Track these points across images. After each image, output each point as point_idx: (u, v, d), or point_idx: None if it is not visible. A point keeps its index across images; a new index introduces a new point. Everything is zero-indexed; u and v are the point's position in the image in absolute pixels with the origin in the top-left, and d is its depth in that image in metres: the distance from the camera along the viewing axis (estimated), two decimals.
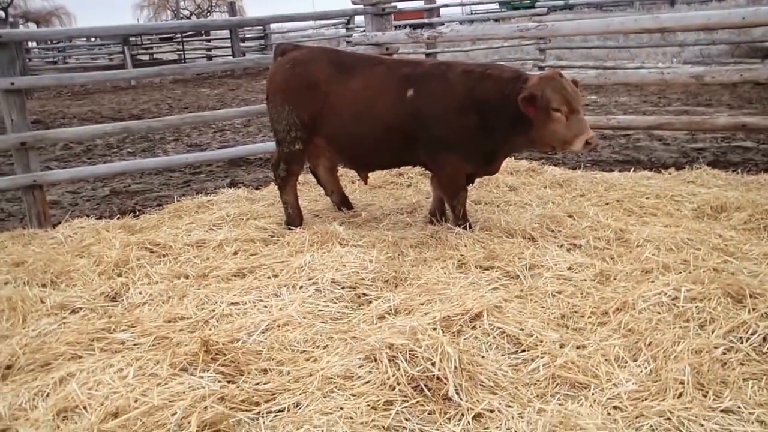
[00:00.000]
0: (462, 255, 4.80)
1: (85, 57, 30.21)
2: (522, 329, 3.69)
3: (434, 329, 3.56)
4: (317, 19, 20.63)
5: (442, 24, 17.67)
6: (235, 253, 5.23)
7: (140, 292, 4.55)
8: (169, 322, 4.04)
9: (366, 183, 6.27)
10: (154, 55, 31.54)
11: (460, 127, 5.19)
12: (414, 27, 15.30)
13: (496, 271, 4.56)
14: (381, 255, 4.84)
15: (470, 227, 5.38)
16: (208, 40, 30.54)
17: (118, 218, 6.54)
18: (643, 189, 6.15)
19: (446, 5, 22.71)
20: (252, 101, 16.13)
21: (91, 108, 17.56)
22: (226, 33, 27.51)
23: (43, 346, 3.78)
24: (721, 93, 12.30)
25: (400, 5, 8.47)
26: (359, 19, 24.45)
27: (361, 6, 7.99)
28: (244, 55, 24.75)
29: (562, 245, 4.95)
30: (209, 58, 28.61)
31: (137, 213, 6.93)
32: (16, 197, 8.04)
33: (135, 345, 3.75)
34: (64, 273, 4.97)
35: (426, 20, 18.08)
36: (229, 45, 25.85)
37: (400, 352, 3.27)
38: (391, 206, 6.28)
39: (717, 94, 12.31)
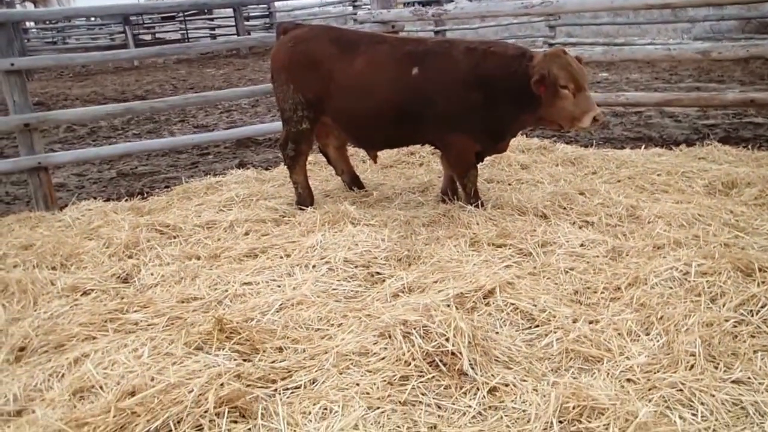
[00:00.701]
0: (474, 233, 4.80)
1: (85, 37, 29.81)
2: (535, 305, 3.71)
3: (447, 306, 3.58)
4: None
5: (450, 1, 17.56)
6: (246, 234, 5.24)
7: (152, 274, 4.56)
8: (182, 302, 4.06)
9: (375, 162, 6.26)
10: (157, 35, 31.27)
11: (466, 105, 5.18)
12: (423, 4, 15.19)
13: (509, 248, 4.56)
14: (393, 234, 4.85)
15: (482, 205, 5.39)
16: (211, 19, 30.19)
17: (126, 200, 6.54)
18: (655, 166, 6.14)
19: None
20: (259, 81, 16.00)
21: (94, 89, 17.48)
22: (230, 12, 27.15)
23: (56, 328, 3.81)
24: (733, 69, 12.22)
25: None
26: None
27: None
28: (249, 34, 24.59)
29: (574, 222, 4.96)
30: (213, 37, 28.34)
31: (145, 195, 6.91)
32: (21, 180, 8.06)
33: (149, 325, 3.77)
34: (74, 255, 4.97)
35: None
36: (233, 24, 25.60)
37: (414, 329, 3.29)
38: (403, 185, 6.28)
39: (729, 70, 12.22)
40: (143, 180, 8.01)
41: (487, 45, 5.34)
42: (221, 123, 11.39)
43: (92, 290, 4.34)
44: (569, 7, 7.02)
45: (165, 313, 3.86)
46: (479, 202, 5.42)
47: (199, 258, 4.82)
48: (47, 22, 31.07)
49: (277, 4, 26.67)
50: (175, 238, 5.25)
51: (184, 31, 29.35)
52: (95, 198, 6.77)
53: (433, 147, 6.06)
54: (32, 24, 31.97)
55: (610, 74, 12.93)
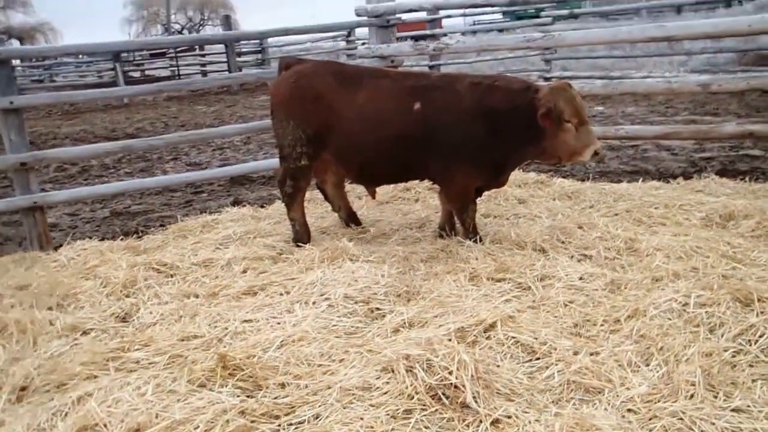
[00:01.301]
0: (473, 268, 4.82)
1: (73, 75, 29.94)
2: (536, 338, 3.72)
3: (449, 340, 3.60)
4: (320, 32, 20.69)
5: (444, 35, 17.74)
6: (244, 272, 5.24)
7: (151, 312, 4.57)
8: (183, 340, 4.04)
9: (374, 198, 6.28)
10: (146, 72, 31.44)
11: (471, 139, 5.22)
12: (416, 38, 15.37)
13: (508, 282, 4.58)
14: (392, 270, 4.86)
15: (480, 240, 5.42)
16: (203, 55, 30.34)
17: (122, 239, 6.52)
18: (652, 199, 6.19)
19: (449, 16, 22.81)
20: (250, 117, 16.09)
21: (83, 128, 17.47)
22: (220, 47, 27.26)
23: (57, 367, 3.79)
24: (728, 102, 12.36)
25: (404, 17, 8.51)
26: (359, 31, 24.68)
27: (365, 18, 8.04)
28: (240, 70, 24.67)
29: (572, 256, 4.99)
30: (204, 73, 28.45)
31: (140, 234, 6.89)
32: (12, 221, 8.04)
33: (150, 364, 3.76)
34: (71, 295, 4.96)
35: (428, 32, 18.13)
36: (225, 60, 25.59)
37: (417, 362, 3.29)
38: (400, 221, 6.30)
39: (724, 102, 12.37)
40: (137, 219, 8.01)
41: (492, 79, 5.43)
42: (214, 160, 11.44)
43: (92, 329, 4.34)
44: (570, 41, 7.11)
45: (166, 351, 3.86)
46: (477, 237, 5.45)
47: (197, 296, 4.83)
48: (33, 60, 30.99)
49: (269, 39, 26.77)
50: (172, 276, 5.26)
51: (175, 68, 29.49)
52: (90, 238, 6.75)
53: (431, 181, 6.06)
54: (17, 61, 31.61)
55: (606, 108, 13.07)
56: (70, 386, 3.60)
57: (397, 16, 8.11)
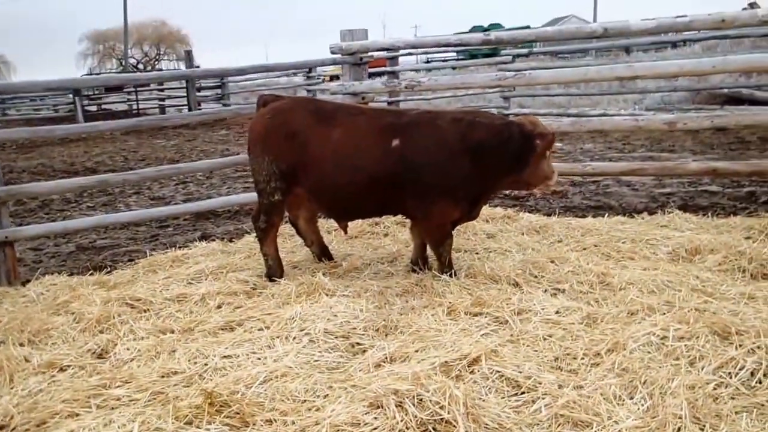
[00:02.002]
0: (450, 302, 4.85)
1: (26, 108, 29.55)
2: (520, 372, 3.75)
3: (436, 374, 3.61)
4: (282, 70, 20.82)
5: (401, 71, 17.99)
6: (219, 307, 5.20)
7: (127, 348, 4.49)
8: (164, 376, 4.00)
9: (345, 233, 6.30)
10: (103, 106, 31.18)
11: (455, 174, 5.29)
12: (375, 75, 15.55)
13: (485, 317, 4.61)
14: (369, 304, 4.87)
15: (455, 274, 5.46)
16: (161, 90, 30.22)
17: (91, 274, 6.45)
18: (619, 234, 6.31)
19: (410, 53, 23.10)
20: (211, 152, 16.07)
21: (41, 161, 17.12)
22: (180, 82, 27.14)
23: (37, 405, 3.70)
24: (684, 139, 12.70)
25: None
26: (320, 68, 24.78)
27: (340, 56, 8.12)
28: (200, 105, 24.57)
29: (546, 290, 5.05)
30: (162, 109, 28.39)
31: (109, 269, 6.81)
32: None
33: (132, 401, 3.70)
34: (43, 331, 4.86)
35: (389, 68, 18.34)
36: (184, 95, 25.44)
37: (407, 397, 3.30)
38: (371, 256, 6.32)
39: (680, 140, 12.70)
40: (104, 253, 7.88)
41: (473, 115, 5.58)
42: (178, 195, 11.33)
43: (69, 366, 4.25)
44: (542, 79, 7.28)
45: (147, 387, 3.80)
46: (453, 271, 5.49)
47: (173, 332, 4.77)
48: None
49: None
50: (146, 312, 5.18)
51: (133, 102, 29.26)
52: (58, 273, 6.65)
53: (404, 216, 6.07)
54: None
55: (564, 144, 13.31)
56: (51, 424, 3.52)
57: (369, 54, 8.22)
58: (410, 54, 25.98)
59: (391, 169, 5.35)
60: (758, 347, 3.71)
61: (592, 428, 3.25)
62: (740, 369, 3.62)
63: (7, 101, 30.01)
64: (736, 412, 3.31)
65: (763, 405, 3.34)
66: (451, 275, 5.44)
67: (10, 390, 3.98)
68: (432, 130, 5.39)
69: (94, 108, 30.01)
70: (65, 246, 8.40)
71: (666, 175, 8.12)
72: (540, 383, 3.65)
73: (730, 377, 3.57)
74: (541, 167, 5.31)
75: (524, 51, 18.74)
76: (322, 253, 6.28)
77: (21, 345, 4.68)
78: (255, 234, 6.03)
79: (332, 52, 8.16)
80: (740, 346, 3.79)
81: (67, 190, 8.25)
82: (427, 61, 36.08)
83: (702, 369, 3.68)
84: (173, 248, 7.18)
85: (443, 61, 32.56)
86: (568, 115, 14.36)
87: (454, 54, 35.61)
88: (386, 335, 4.49)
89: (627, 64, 6.81)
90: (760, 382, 3.51)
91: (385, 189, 5.43)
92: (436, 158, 5.30)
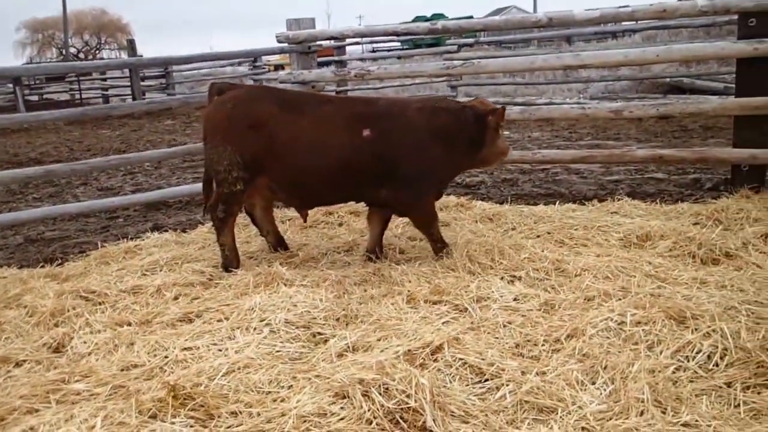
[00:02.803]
0: (409, 290, 4.87)
1: None
2: (483, 359, 3.78)
3: (400, 363, 3.62)
4: (227, 59, 20.59)
5: (349, 60, 17.98)
6: (176, 298, 5.13)
7: (84, 342, 4.39)
8: (123, 370, 3.93)
9: (305, 221, 6.26)
10: (44, 96, 30.46)
11: (430, 161, 5.42)
12: (323, 64, 15.50)
13: (445, 304, 4.64)
14: (328, 294, 4.85)
15: (449, 252, 5.60)
16: (104, 79, 29.57)
17: (42, 267, 6.30)
18: (571, 221, 6.40)
19: (357, 42, 23.10)
20: (158, 142, 15.81)
21: None
22: (121, 71, 26.58)
23: None
24: (628, 127, 12.94)
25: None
26: (265, 57, 24.55)
27: (287, 45, 8.05)
28: (144, 94, 24.14)
29: (503, 277, 5.09)
30: (106, 99, 27.84)
31: (60, 261, 6.67)
32: None
33: (92, 395, 3.62)
34: None
35: (336, 57, 18.33)
36: (128, 84, 24.90)
37: (373, 387, 3.30)
38: (327, 245, 6.30)
39: (624, 128, 12.93)
40: (53, 245, 7.68)
41: (434, 101, 5.85)
42: (126, 185, 11.12)
43: (25, 361, 4.14)
44: (491, 68, 7.34)
45: (108, 381, 3.72)
46: (447, 247, 5.63)
47: (130, 324, 4.69)
48: None
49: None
50: (101, 304, 5.07)
51: (76, 92, 28.61)
52: (7, 266, 6.48)
53: (367, 205, 6.02)
54: None
55: (512, 133, 13.43)
56: (10, 421, 3.41)
57: (318, 42, 8.16)
58: (356, 44, 25.99)
59: (363, 159, 5.38)
60: (713, 331, 3.80)
61: (557, 414, 3.29)
62: (697, 352, 3.70)
63: None
64: (696, 395, 3.38)
65: (720, 387, 3.42)
66: (446, 252, 5.58)
67: None
68: (403, 121, 5.47)
69: (35, 98, 29.26)
70: (12, 238, 8.16)
71: (615, 162, 8.28)
72: (503, 370, 3.68)
73: (688, 361, 3.65)
74: (497, 144, 5.58)
75: (470, 40, 18.85)
76: (278, 243, 6.24)
77: None
78: (211, 224, 5.94)
79: (278, 41, 8.07)
80: (696, 330, 3.87)
81: (12, 181, 8.02)
82: (373, 51, 36.01)
83: (660, 353, 3.75)
84: (125, 240, 7.05)
85: (389, 50, 32.54)
86: (516, 104, 14.49)
87: (399, 44, 35.63)
88: (347, 324, 4.48)
89: (574, 53, 6.91)
90: (717, 365, 3.60)
91: (358, 178, 5.47)
92: (412, 148, 5.40)
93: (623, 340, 3.93)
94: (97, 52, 50.89)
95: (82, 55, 48.71)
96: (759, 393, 3.36)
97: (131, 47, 28.00)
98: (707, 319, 3.94)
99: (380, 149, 5.36)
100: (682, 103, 7.23)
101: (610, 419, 3.21)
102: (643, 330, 3.96)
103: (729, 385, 3.44)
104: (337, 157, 5.41)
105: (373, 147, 5.36)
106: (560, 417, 3.26)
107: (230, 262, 5.75)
